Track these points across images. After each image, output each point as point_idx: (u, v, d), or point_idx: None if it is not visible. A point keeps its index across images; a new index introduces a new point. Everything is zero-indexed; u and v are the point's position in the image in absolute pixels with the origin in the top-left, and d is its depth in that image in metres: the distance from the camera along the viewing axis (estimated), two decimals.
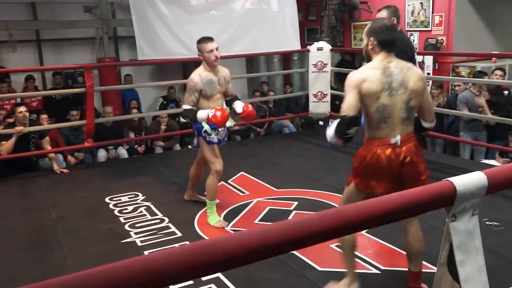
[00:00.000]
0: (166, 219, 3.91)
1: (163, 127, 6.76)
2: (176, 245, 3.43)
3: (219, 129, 3.80)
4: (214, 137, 3.79)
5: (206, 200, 3.90)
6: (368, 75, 2.48)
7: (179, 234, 3.62)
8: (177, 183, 4.84)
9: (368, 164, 2.53)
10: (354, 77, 2.51)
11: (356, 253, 3.18)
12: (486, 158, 5.58)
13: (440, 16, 7.31)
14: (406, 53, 3.50)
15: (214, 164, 3.83)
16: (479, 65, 6.85)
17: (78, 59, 7.70)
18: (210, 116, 3.58)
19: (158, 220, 3.91)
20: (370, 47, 2.57)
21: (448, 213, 0.96)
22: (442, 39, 7.22)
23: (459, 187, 0.93)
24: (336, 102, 6.66)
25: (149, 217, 3.97)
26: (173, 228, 3.73)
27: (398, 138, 2.47)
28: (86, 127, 5.56)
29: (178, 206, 4.23)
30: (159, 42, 7.53)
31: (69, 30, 8.04)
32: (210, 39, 3.80)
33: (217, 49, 3.75)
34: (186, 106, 3.80)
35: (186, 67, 8.94)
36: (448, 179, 0.95)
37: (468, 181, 0.95)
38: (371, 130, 2.54)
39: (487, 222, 3.60)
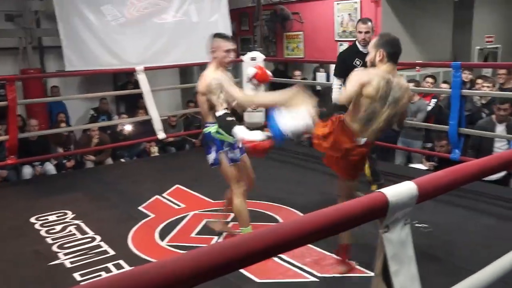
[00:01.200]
0: (98, 238, 3.73)
1: (94, 140, 6.50)
2: (109, 264, 3.28)
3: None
4: (237, 153, 3.26)
5: (241, 228, 3.36)
6: (374, 80, 2.72)
7: (112, 252, 3.46)
8: (110, 199, 4.65)
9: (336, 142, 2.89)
10: (362, 76, 2.79)
11: (294, 262, 3.20)
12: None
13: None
14: None
15: (239, 184, 3.32)
16: (405, 73, 7.17)
17: (0, 70, 7.25)
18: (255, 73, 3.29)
19: (89, 239, 3.71)
20: (379, 58, 2.78)
21: (381, 224, 0.96)
22: None
23: (391, 198, 0.94)
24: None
25: (79, 236, 3.77)
26: (105, 247, 3.55)
27: (363, 140, 2.86)
28: (9, 143, 5.22)
29: (111, 223, 4.05)
30: (88, 52, 7.27)
31: None
32: (228, 37, 3.32)
33: (233, 51, 3.30)
34: (221, 112, 3.10)
35: (117, 77, 8.69)
36: (381, 190, 0.95)
37: (399, 192, 0.95)
38: (353, 116, 2.84)
39: (416, 225, 3.72)
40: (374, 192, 0.95)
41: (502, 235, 3.50)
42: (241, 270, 3.14)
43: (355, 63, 4.15)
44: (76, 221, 4.07)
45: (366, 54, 3.64)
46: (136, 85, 6.04)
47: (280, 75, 8.27)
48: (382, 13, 7.49)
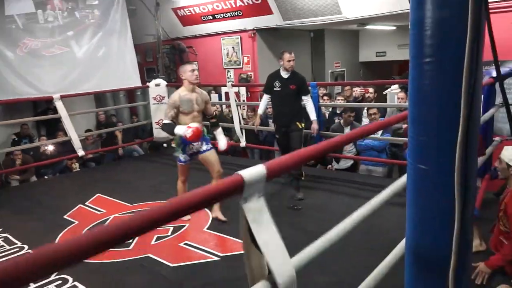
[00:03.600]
0: (26, 246, 3.46)
1: (18, 162, 5.96)
2: None
3: (190, 147, 3.65)
4: (181, 157, 3.71)
5: None
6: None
7: None
8: (36, 212, 4.33)
9: None
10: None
11: (200, 246, 3.26)
12: None
13: (247, 57, 7.91)
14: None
15: (181, 178, 3.82)
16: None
17: None
18: (184, 133, 3.42)
19: (18, 248, 3.43)
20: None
21: (240, 198, 1.07)
22: (251, 74, 7.82)
23: (246, 177, 1.05)
24: None
25: (7, 247, 3.46)
26: None
27: None
28: None
29: (38, 232, 3.77)
30: (5, 83, 6.69)
31: None
32: (189, 62, 3.88)
33: (197, 70, 3.70)
34: (165, 121, 3.56)
35: (37, 105, 8.06)
36: (238, 172, 1.07)
37: (252, 172, 1.07)
38: None
39: (292, 206, 3.99)
40: (234, 174, 1.06)
41: (355, 209, 3.83)
42: (155, 257, 3.13)
43: (275, 84, 4.36)
44: (4, 234, 3.74)
45: (285, 78, 4.24)
46: (56, 110, 5.68)
47: None
48: (258, 46, 7.84)
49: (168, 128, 3.54)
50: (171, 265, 3.03)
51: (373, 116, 5.03)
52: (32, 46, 6.96)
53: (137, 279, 2.89)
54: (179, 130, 3.47)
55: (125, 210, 4.20)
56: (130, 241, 3.37)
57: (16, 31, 6.84)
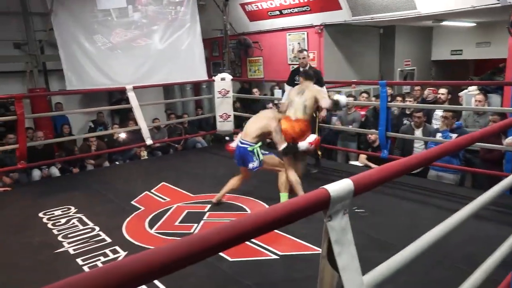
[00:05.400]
0: (97, 228, 3.61)
1: (93, 147, 6.31)
2: (106, 250, 3.18)
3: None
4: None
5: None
6: None
7: (109, 240, 3.35)
8: (107, 196, 4.52)
9: None
10: None
11: (260, 243, 3.18)
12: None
13: (313, 53, 7.70)
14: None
15: (282, 167, 3.90)
16: (343, 90, 7.29)
17: (10, 90, 6.94)
18: (309, 147, 3.92)
19: (90, 229, 3.59)
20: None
21: (325, 215, 0.96)
22: None
23: (332, 193, 0.93)
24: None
25: (81, 227, 3.64)
26: (103, 236, 3.44)
27: None
28: (19, 150, 5.00)
29: (108, 215, 3.92)
30: (85, 74, 7.09)
31: (0, 64, 7.23)
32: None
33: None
34: (283, 145, 3.92)
35: (112, 94, 8.49)
36: (324, 187, 0.95)
37: (339, 187, 0.95)
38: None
39: (355, 210, 3.78)
40: (319, 188, 0.95)
41: (423, 217, 3.58)
42: None
43: (296, 78, 4.93)
44: (78, 215, 3.94)
45: (303, 72, 4.51)
46: (128, 101, 5.92)
47: (245, 92, 8.29)
48: (324, 42, 7.60)
49: (293, 150, 3.90)
50: (230, 259, 2.99)
51: (447, 119, 4.64)
52: (121, 38, 7.30)
53: (196, 270, 2.88)
54: (303, 145, 3.91)
55: (188, 200, 4.25)
56: (192, 230, 3.39)
57: (110, 23, 7.20)
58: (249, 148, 3.73)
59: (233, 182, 4.00)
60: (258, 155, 3.72)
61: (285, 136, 3.90)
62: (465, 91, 5.96)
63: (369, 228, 3.41)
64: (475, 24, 8.23)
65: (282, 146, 3.79)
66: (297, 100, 4.00)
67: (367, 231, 3.33)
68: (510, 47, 5.16)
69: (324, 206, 0.93)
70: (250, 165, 3.74)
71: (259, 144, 3.76)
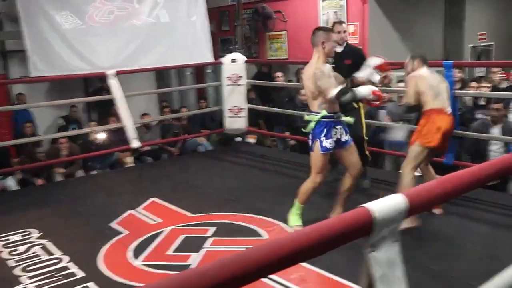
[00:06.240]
0: (66, 258, 3.61)
1: (64, 152, 6.38)
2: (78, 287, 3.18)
3: (334, 131, 3.74)
4: (331, 143, 3.70)
5: (296, 201, 3.86)
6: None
7: (81, 274, 3.35)
8: (80, 215, 4.54)
9: None
10: None
11: (277, 278, 3.13)
12: None
13: (354, 25, 7.63)
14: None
15: (319, 175, 3.77)
16: (396, 74, 7.19)
17: None
18: (369, 95, 3.63)
19: (57, 260, 3.59)
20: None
21: (366, 243, 0.91)
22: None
23: (377, 213, 0.89)
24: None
25: (45, 257, 3.64)
26: (73, 269, 3.44)
27: None
28: None
29: (81, 241, 3.93)
30: (55, 56, 7.16)
31: None
32: (330, 29, 4.16)
33: None
34: (337, 88, 3.61)
35: (89, 82, 8.58)
36: (364, 205, 0.90)
37: (386, 206, 0.90)
38: None
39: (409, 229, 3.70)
40: (358, 207, 0.90)
41: (503, 245, 3.49)
42: None
43: (327, 60, 4.59)
44: (42, 241, 3.96)
45: (338, 52, 4.46)
46: (110, 90, 5.96)
47: (265, 77, 8.25)
48: (370, 11, 7.53)
49: (348, 91, 3.62)
50: None
51: None
52: (102, 10, 7.38)
53: None
54: (362, 90, 3.65)
55: (185, 221, 4.24)
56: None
57: None
58: (306, 117, 3.80)
59: (345, 182, 3.91)
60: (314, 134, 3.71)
61: (441, 138, 3.85)
62: None
63: (429, 259, 3.35)
64: None
65: (335, 91, 3.60)
66: (442, 87, 3.99)
67: (426, 263, 3.27)
68: None
69: (365, 231, 0.88)
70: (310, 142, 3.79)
71: (321, 115, 3.67)
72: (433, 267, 3.23)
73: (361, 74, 4.15)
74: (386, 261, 0.94)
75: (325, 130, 3.66)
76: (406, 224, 3.63)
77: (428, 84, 3.93)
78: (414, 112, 4.31)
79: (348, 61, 4.58)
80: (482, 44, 9.02)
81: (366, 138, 4.74)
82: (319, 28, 3.96)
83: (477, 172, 1.22)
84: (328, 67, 3.80)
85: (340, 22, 5.07)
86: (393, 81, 6.78)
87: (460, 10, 8.66)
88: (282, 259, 0.79)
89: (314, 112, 3.72)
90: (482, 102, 5.65)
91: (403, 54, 8.06)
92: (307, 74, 3.74)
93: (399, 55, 7.88)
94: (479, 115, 5.33)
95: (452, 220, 4.06)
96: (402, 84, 6.16)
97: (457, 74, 6.07)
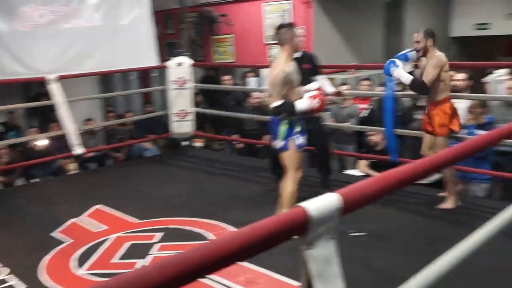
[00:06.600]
0: (6, 270, 3.48)
1: (2, 159, 6.15)
2: None
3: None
4: (303, 138, 3.78)
5: (282, 209, 3.77)
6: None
7: (23, 286, 3.25)
8: (20, 225, 4.39)
9: None
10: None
11: (225, 281, 3.14)
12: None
13: (300, 29, 7.74)
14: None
15: (299, 171, 3.80)
16: (338, 77, 7.37)
17: None
18: (310, 105, 3.64)
19: None
20: (430, 44, 4.16)
21: (303, 241, 0.94)
22: None
23: (312, 212, 0.91)
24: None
25: None
26: (14, 281, 3.32)
27: None
28: None
29: (21, 253, 3.80)
30: None
31: None
32: (293, 24, 4.03)
33: None
34: (278, 102, 3.64)
35: (28, 87, 8.30)
36: (300, 204, 0.92)
37: (321, 205, 0.93)
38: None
39: (352, 234, 3.79)
40: (294, 206, 0.92)
41: (442, 239, 3.62)
42: None
43: None
44: None
45: (296, 57, 4.28)
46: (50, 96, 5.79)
47: (212, 81, 8.25)
48: (314, 14, 7.68)
49: (287, 107, 3.64)
50: None
51: (474, 113, 4.77)
52: (41, 11, 7.14)
53: None
54: (302, 104, 3.64)
55: (131, 228, 4.19)
56: None
57: None
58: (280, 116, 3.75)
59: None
60: (285, 134, 3.70)
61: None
62: (492, 75, 6.11)
63: (371, 256, 3.44)
64: None
65: (277, 103, 3.65)
66: None
67: (368, 261, 3.36)
68: None
69: (301, 230, 0.91)
70: (275, 143, 3.78)
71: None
72: (374, 265, 3.31)
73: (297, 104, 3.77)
74: (323, 258, 0.96)
75: (294, 127, 3.71)
76: (448, 204, 4.23)
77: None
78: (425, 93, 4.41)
79: (306, 66, 4.60)
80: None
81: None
82: (282, 26, 3.89)
83: (411, 169, 1.27)
84: (294, 67, 3.76)
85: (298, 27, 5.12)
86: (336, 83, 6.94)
87: (399, 14, 8.97)
88: (221, 258, 0.80)
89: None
90: (421, 103, 5.87)
91: (346, 57, 8.31)
92: (273, 75, 3.72)
93: (342, 58, 8.12)
94: (418, 116, 5.53)
95: (395, 218, 4.16)
96: (345, 87, 6.33)
97: None
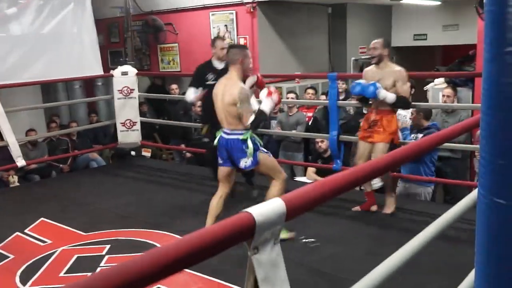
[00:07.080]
0: None
1: None
2: None
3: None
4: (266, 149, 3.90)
5: None
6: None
7: None
8: None
9: None
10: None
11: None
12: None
13: (244, 38, 7.83)
14: None
15: (282, 173, 3.85)
16: (284, 86, 7.50)
17: None
18: (272, 102, 3.66)
19: None
20: (386, 53, 4.25)
21: (249, 246, 0.97)
22: None
23: (258, 217, 0.95)
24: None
25: None
26: None
27: None
28: None
29: None
30: None
31: None
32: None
33: None
34: (251, 117, 3.59)
35: None
36: (246, 210, 0.96)
37: (266, 210, 0.97)
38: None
39: (303, 240, 3.88)
40: (240, 212, 0.96)
41: (384, 243, 3.74)
42: None
43: (207, 77, 4.65)
44: None
45: (220, 69, 4.42)
46: None
47: (158, 90, 8.19)
48: (258, 24, 7.77)
49: (262, 116, 3.66)
50: None
51: (415, 119, 5.02)
52: None
53: None
54: (267, 105, 3.66)
55: (77, 240, 4.11)
56: None
57: None
58: (242, 137, 3.67)
59: (215, 203, 3.82)
60: (253, 149, 3.68)
61: None
62: (431, 84, 6.42)
63: (320, 261, 3.52)
64: (440, 3, 8.92)
65: (250, 120, 3.62)
66: None
67: (317, 266, 3.44)
68: (480, 30, 5.66)
69: (248, 235, 0.94)
70: (242, 163, 3.69)
71: (250, 132, 3.68)
72: (323, 269, 3.40)
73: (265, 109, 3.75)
74: (269, 263, 1.00)
75: (256, 141, 3.75)
76: (388, 209, 4.40)
77: None
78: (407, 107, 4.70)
79: None
80: (363, 57, 9.66)
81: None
82: (234, 46, 3.99)
83: (351, 175, 1.34)
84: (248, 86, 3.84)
85: (222, 38, 5.13)
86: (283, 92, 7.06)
87: (342, 24, 9.21)
88: (166, 266, 0.82)
89: (238, 130, 3.67)
90: (365, 111, 6.06)
91: (291, 66, 8.45)
92: (232, 95, 3.62)
93: (287, 67, 8.25)
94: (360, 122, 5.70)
95: (343, 224, 4.29)
96: (292, 95, 6.45)
97: (342, 85, 6.49)
